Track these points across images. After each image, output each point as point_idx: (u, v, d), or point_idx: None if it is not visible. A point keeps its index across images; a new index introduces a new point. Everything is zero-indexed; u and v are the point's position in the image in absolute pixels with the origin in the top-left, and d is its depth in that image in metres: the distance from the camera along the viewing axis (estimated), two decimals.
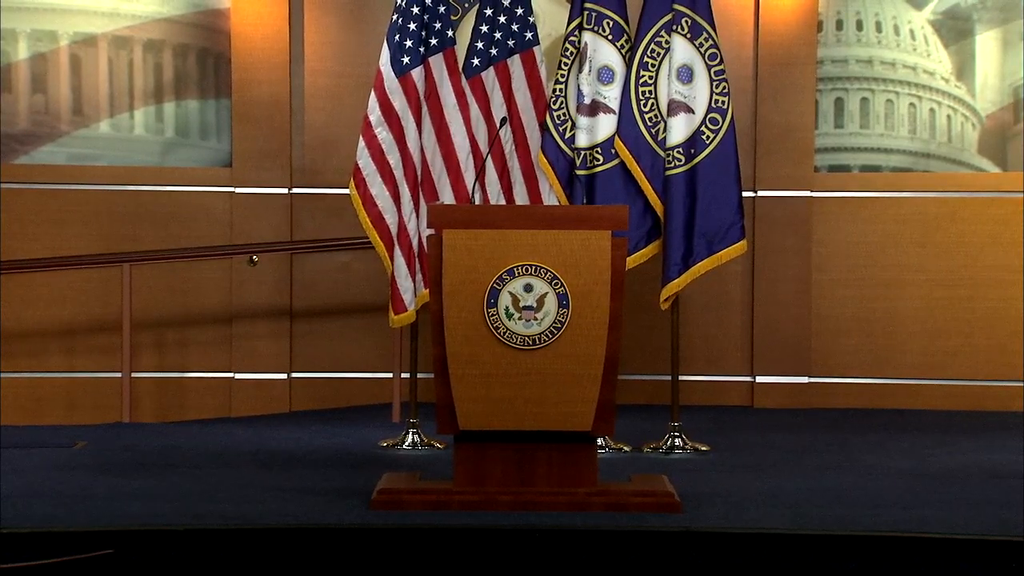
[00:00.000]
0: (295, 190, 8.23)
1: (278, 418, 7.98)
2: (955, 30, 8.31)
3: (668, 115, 6.62)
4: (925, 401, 8.20)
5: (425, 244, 6.51)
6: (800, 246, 8.24)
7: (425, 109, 6.72)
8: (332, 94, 8.23)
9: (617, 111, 6.67)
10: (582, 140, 6.69)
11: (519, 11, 6.88)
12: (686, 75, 6.62)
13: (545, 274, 5.02)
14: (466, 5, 8.14)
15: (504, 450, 5.12)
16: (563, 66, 6.78)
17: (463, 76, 6.79)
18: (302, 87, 8.23)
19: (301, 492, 5.50)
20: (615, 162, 6.68)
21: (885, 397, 8.24)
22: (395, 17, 6.71)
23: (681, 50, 6.62)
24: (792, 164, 8.22)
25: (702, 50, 6.64)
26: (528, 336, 5.03)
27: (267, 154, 8.18)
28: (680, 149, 6.62)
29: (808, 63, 8.22)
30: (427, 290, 5.79)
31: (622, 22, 6.74)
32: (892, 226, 8.26)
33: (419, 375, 6.92)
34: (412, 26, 6.68)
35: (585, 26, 6.72)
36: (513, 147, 6.86)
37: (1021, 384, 8.15)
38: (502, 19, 6.87)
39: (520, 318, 5.03)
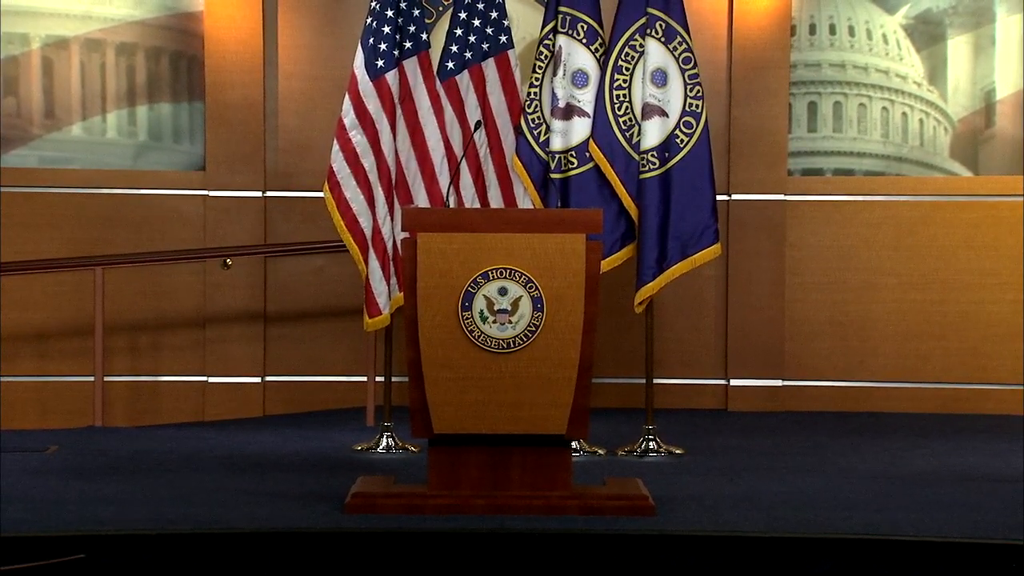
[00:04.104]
0: (269, 193, 8.21)
1: (252, 422, 7.96)
2: (927, 35, 8.35)
3: (642, 119, 6.64)
4: (898, 404, 8.24)
5: (399, 247, 6.50)
6: (773, 250, 8.26)
7: (399, 112, 6.72)
8: (306, 97, 8.21)
9: (591, 115, 6.68)
10: (556, 143, 6.70)
11: (493, 14, 6.89)
12: (660, 79, 6.63)
13: (519, 277, 5.02)
14: (440, 8, 8.14)
15: (478, 454, 5.12)
16: (537, 69, 6.79)
17: (437, 79, 6.79)
18: (276, 90, 8.21)
19: (275, 496, 5.49)
20: (589, 165, 6.69)
21: (858, 400, 8.27)
22: (369, 20, 6.71)
23: (655, 54, 6.63)
24: (766, 168, 8.25)
25: (676, 54, 6.65)
26: (502, 339, 5.03)
27: (241, 157, 8.16)
28: (654, 153, 6.63)
29: (781, 67, 8.24)
30: (401, 293, 5.78)
31: (596, 26, 6.75)
32: (865, 230, 8.29)
33: (393, 379, 6.91)
34: (386, 29, 6.67)
35: (559, 30, 6.73)
36: (487, 150, 6.86)
37: (993, 387, 8.19)
38: (476, 22, 6.87)
39: (495, 321, 5.03)
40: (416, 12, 6.76)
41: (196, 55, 8.21)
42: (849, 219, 8.31)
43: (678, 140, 6.64)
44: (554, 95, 6.69)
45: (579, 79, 6.72)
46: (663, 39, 6.64)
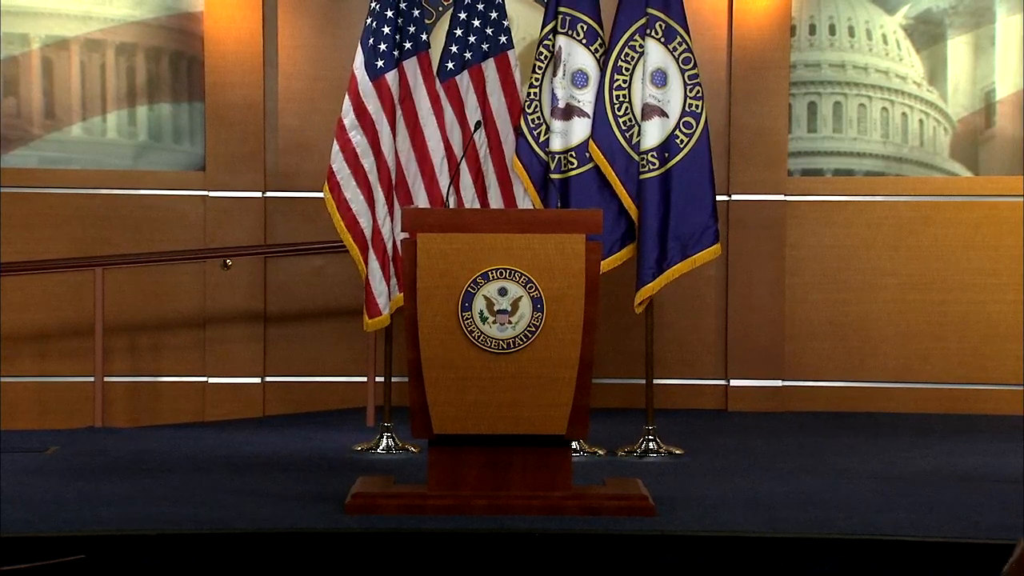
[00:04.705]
0: (269, 194, 8.21)
1: (252, 422, 7.96)
2: (927, 35, 8.35)
3: (642, 119, 6.63)
4: (898, 404, 8.24)
5: (399, 248, 6.50)
6: (774, 250, 8.26)
7: (399, 113, 6.72)
8: (306, 98, 8.21)
9: (591, 115, 6.68)
10: (556, 144, 6.69)
11: (493, 15, 6.89)
12: (660, 79, 6.63)
13: (519, 278, 5.03)
14: (440, 8, 8.14)
15: (478, 454, 5.12)
16: (537, 70, 6.79)
17: (437, 80, 6.79)
18: (276, 90, 8.21)
19: (275, 496, 5.49)
20: (589, 166, 6.68)
21: (858, 400, 8.27)
22: (369, 21, 6.71)
23: (655, 54, 6.63)
24: (766, 168, 8.24)
25: (676, 54, 6.65)
26: (502, 340, 5.03)
27: (241, 158, 8.15)
28: (654, 153, 6.63)
29: (781, 67, 8.24)
30: (401, 294, 5.78)
31: (596, 26, 6.75)
32: (865, 230, 8.29)
33: (393, 379, 6.91)
34: (386, 30, 6.67)
35: (559, 30, 6.73)
36: (487, 151, 6.86)
37: (993, 387, 8.19)
38: (476, 23, 6.87)
39: (494, 322, 5.03)
40: (416, 12, 6.76)
41: (196, 55, 8.20)
42: (849, 219, 8.30)
43: (678, 140, 6.64)
44: (554, 95, 6.69)
45: (579, 79, 6.72)
46: (663, 39, 6.64)
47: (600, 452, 6.63)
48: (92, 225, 8.12)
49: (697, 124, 6.65)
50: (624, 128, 6.68)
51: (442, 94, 6.78)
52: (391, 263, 6.69)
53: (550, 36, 6.77)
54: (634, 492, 5.21)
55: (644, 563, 4.68)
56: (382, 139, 6.68)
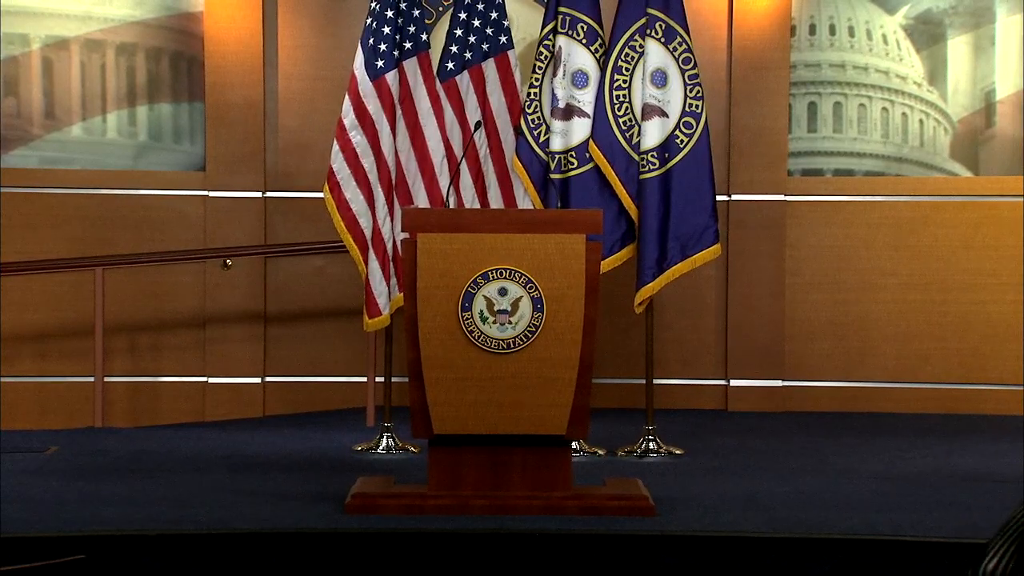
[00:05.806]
0: (269, 194, 8.21)
1: (252, 422, 7.96)
2: (927, 35, 8.35)
3: (642, 119, 6.63)
4: (898, 404, 8.24)
5: (399, 248, 6.50)
6: (774, 250, 8.26)
7: (399, 113, 6.72)
8: (306, 98, 8.21)
9: (591, 115, 6.68)
10: (556, 144, 6.70)
11: (493, 15, 6.89)
12: (660, 79, 6.63)
13: (519, 278, 5.03)
14: (440, 9, 8.14)
15: (478, 454, 5.12)
16: (537, 70, 6.79)
17: (437, 80, 6.79)
18: (276, 91, 8.21)
19: (275, 497, 5.49)
20: (589, 166, 6.68)
21: (858, 400, 8.27)
22: (369, 21, 6.71)
23: (655, 54, 6.63)
24: (766, 168, 8.24)
25: (676, 54, 6.65)
26: (502, 340, 5.03)
27: (241, 158, 8.15)
28: (654, 153, 6.63)
29: (781, 67, 8.24)
30: (401, 294, 5.78)
31: (596, 26, 6.75)
32: (865, 230, 8.29)
33: (393, 379, 6.91)
34: (386, 30, 6.67)
35: (559, 30, 6.73)
36: (487, 151, 6.86)
37: (993, 387, 8.19)
38: (476, 23, 6.87)
39: (494, 322, 5.03)
40: (416, 12, 6.76)
41: (196, 55, 8.20)
42: (849, 219, 8.30)
43: (678, 140, 6.64)
44: (554, 95, 6.69)
45: (579, 79, 6.72)
46: (663, 39, 6.64)
47: (600, 452, 6.63)
48: (92, 225, 8.12)
49: (697, 124, 6.65)
50: (624, 128, 6.68)
51: (442, 94, 6.78)
52: (391, 263, 6.69)
53: (550, 36, 6.77)
54: (634, 492, 5.21)
55: (644, 563, 4.68)
56: (382, 139, 6.68)
